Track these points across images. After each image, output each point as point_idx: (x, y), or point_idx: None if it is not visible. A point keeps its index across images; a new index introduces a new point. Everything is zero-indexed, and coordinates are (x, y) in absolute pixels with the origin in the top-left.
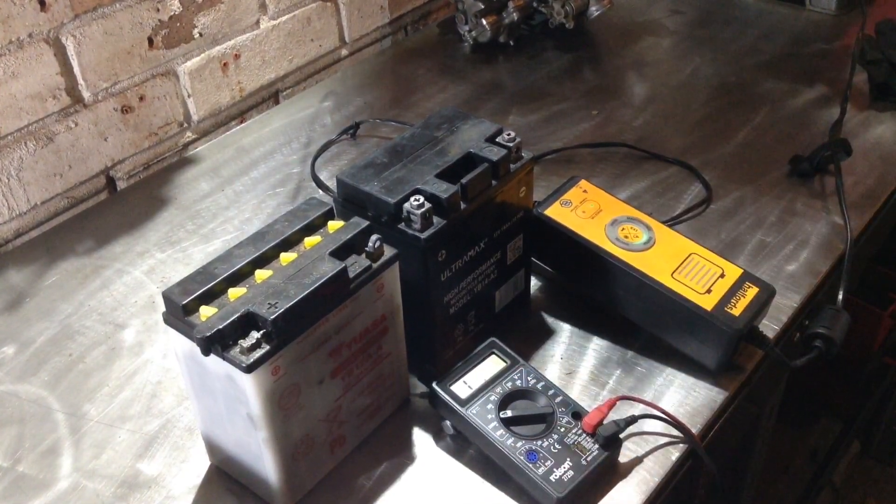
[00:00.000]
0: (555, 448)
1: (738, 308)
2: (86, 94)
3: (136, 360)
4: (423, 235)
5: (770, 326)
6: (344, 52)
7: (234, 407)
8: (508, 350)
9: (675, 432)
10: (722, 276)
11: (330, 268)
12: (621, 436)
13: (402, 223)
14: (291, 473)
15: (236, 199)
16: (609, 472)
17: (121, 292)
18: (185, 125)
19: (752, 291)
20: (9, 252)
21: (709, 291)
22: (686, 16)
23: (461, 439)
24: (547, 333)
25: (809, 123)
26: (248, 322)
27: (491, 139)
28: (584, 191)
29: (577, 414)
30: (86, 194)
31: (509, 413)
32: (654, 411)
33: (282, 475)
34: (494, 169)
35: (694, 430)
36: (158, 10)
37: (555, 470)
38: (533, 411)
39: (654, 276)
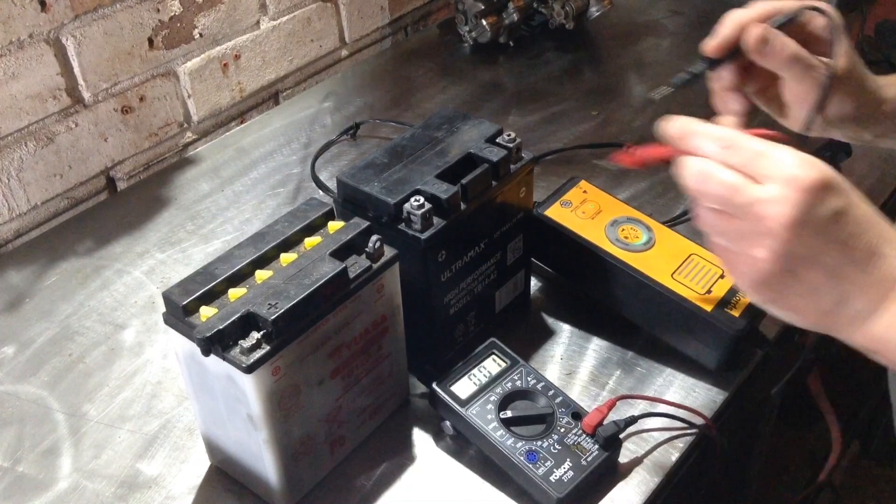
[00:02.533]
0: (555, 448)
1: (738, 309)
2: (86, 95)
3: (136, 360)
4: (424, 236)
5: (770, 327)
6: (344, 52)
7: (234, 407)
8: (508, 350)
9: (676, 430)
10: (722, 276)
11: (330, 268)
12: (621, 436)
13: (403, 223)
14: (291, 473)
15: (236, 200)
16: (609, 472)
17: (121, 293)
18: (185, 125)
19: None
20: (9, 252)
21: (709, 292)
22: (686, 16)
23: (461, 440)
24: (547, 334)
25: None
26: (248, 322)
27: (491, 140)
28: (584, 191)
29: (577, 414)
30: (86, 195)
31: (509, 413)
32: (658, 406)
33: (282, 475)
34: (494, 169)
35: (692, 432)
36: (159, 10)
37: (555, 470)
38: (533, 412)
39: (654, 277)
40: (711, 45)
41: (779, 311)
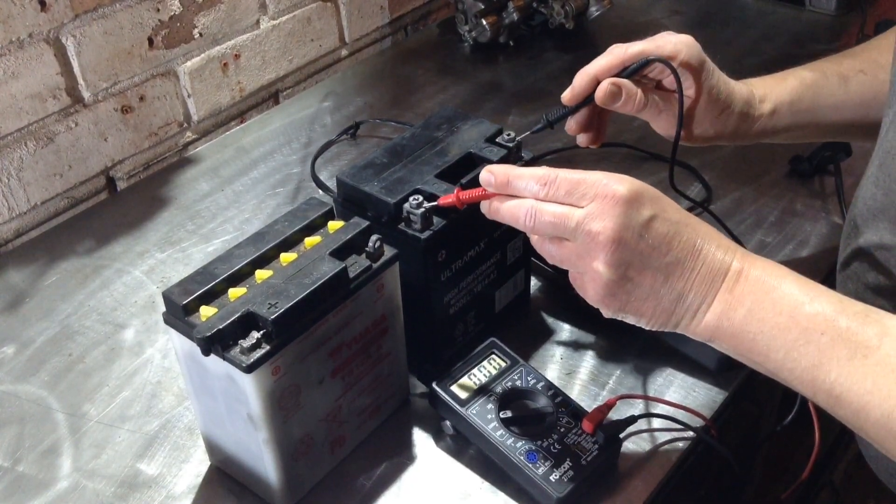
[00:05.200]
0: (555, 448)
1: None
2: (86, 94)
3: (135, 360)
4: (423, 236)
5: None
6: (344, 52)
7: (234, 407)
8: (508, 350)
9: (676, 430)
10: None
11: (330, 268)
12: (621, 436)
13: (402, 223)
14: (291, 473)
15: (236, 200)
16: (609, 472)
17: (121, 292)
18: (185, 125)
19: None
20: (9, 252)
21: None
22: (686, 16)
23: (461, 439)
24: (546, 333)
25: None
26: (248, 322)
27: (491, 139)
28: None
29: (577, 414)
30: (86, 194)
31: (509, 413)
32: (658, 406)
33: (282, 475)
34: None
35: (692, 433)
36: (158, 10)
37: (554, 470)
38: (533, 411)
39: None
40: (566, 95)
41: (630, 317)
